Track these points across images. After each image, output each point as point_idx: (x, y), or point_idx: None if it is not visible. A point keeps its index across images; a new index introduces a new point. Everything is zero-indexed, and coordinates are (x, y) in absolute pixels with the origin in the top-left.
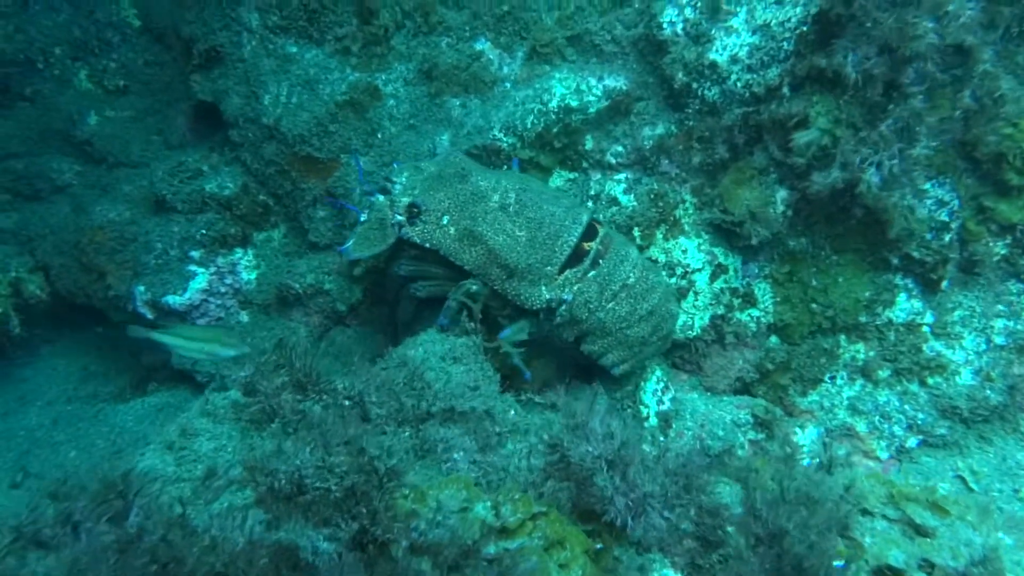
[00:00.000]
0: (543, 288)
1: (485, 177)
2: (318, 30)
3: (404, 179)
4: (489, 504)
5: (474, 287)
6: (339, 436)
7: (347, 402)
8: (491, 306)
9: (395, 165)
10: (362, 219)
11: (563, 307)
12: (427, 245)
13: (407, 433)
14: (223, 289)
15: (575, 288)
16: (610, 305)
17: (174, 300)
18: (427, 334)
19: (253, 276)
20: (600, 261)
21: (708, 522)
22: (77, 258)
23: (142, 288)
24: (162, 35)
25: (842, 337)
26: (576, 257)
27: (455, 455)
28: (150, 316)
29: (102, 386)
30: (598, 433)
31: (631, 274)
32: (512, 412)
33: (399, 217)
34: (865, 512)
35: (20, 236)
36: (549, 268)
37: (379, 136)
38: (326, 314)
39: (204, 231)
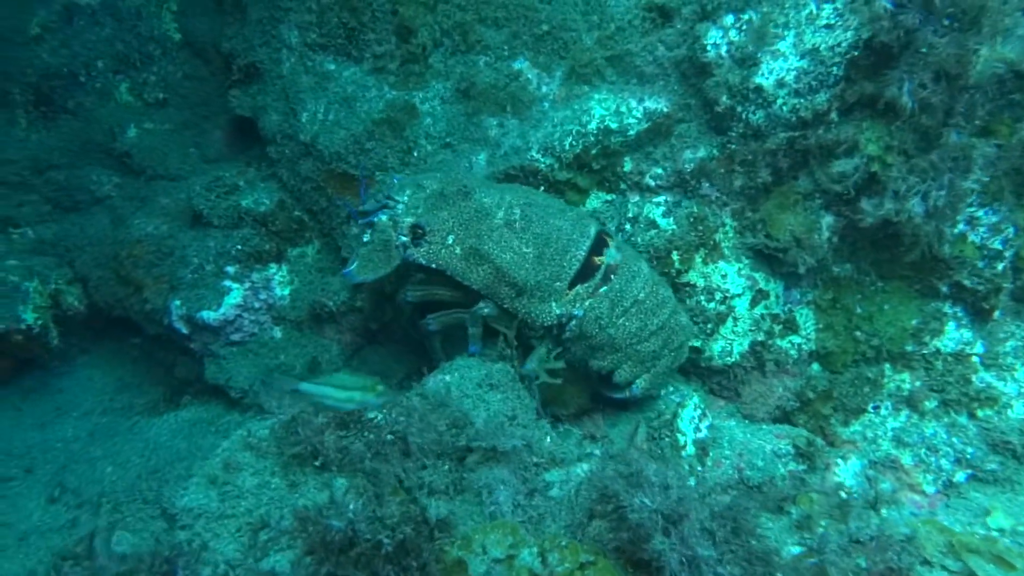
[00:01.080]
0: (553, 304)
1: (488, 194)
2: (356, 48)
3: (406, 198)
4: (536, 551)
5: (486, 310)
6: (390, 482)
7: (389, 436)
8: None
9: (394, 180)
10: (365, 240)
11: (573, 322)
12: (433, 266)
13: (446, 467)
14: (257, 305)
15: (586, 304)
16: (621, 321)
17: (209, 315)
18: (462, 359)
19: (287, 292)
20: (612, 276)
21: (759, 569)
22: (115, 271)
23: (178, 303)
24: (201, 49)
25: (887, 366)
26: (586, 271)
27: (499, 495)
28: (185, 331)
29: (136, 397)
30: (654, 483)
31: (642, 289)
32: (548, 440)
33: (403, 238)
34: (924, 562)
35: (59, 247)
36: (559, 284)
37: (415, 154)
38: (358, 332)
39: (240, 246)
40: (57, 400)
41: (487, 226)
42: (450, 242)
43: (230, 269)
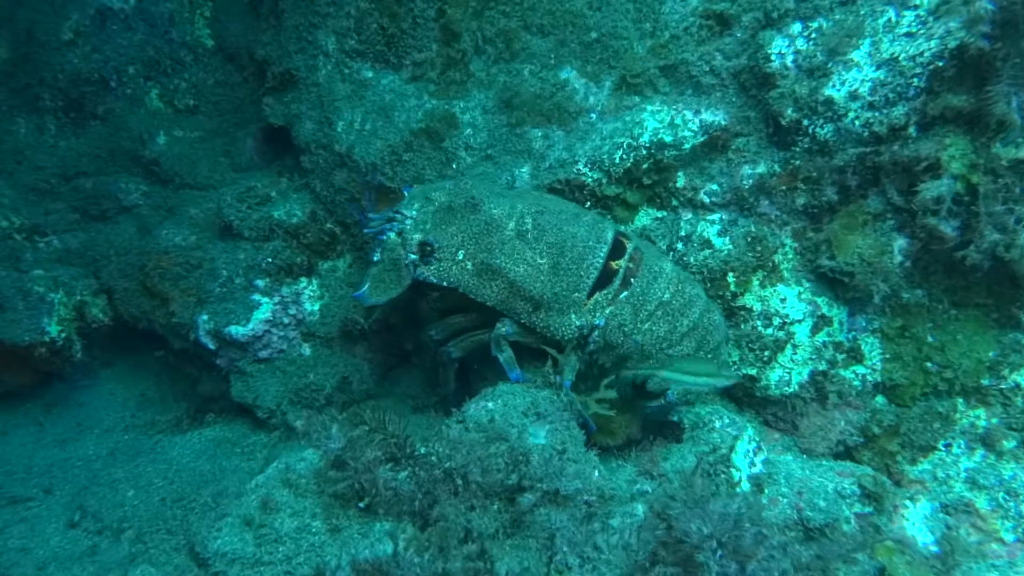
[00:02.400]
0: (572, 316)
1: (499, 204)
2: (396, 55)
3: (414, 213)
4: None
5: (503, 329)
6: (457, 533)
7: (439, 473)
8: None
9: (405, 191)
10: (375, 259)
11: (596, 333)
12: (444, 284)
13: (495, 507)
14: (286, 320)
15: (607, 312)
16: (646, 326)
17: (237, 331)
18: (505, 385)
19: (317, 307)
20: (632, 280)
21: None
22: (141, 282)
23: (205, 317)
24: (234, 55)
25: (960, 401)
26: (605, 277)
27: (563, 545)
28: (212, 346)
29: (159, 414)
30: (714, 514)
31: (666, 290)
32: (596, 474)
33: (412, 256)
34: None
35: (85, 257)
36: (577, 294)
37: (454, 166)
38: (392, 351)
39: (270, 259)
40: (79, 415)
41: (498, 239)
42: (460, 258)
43: (260, 283)
